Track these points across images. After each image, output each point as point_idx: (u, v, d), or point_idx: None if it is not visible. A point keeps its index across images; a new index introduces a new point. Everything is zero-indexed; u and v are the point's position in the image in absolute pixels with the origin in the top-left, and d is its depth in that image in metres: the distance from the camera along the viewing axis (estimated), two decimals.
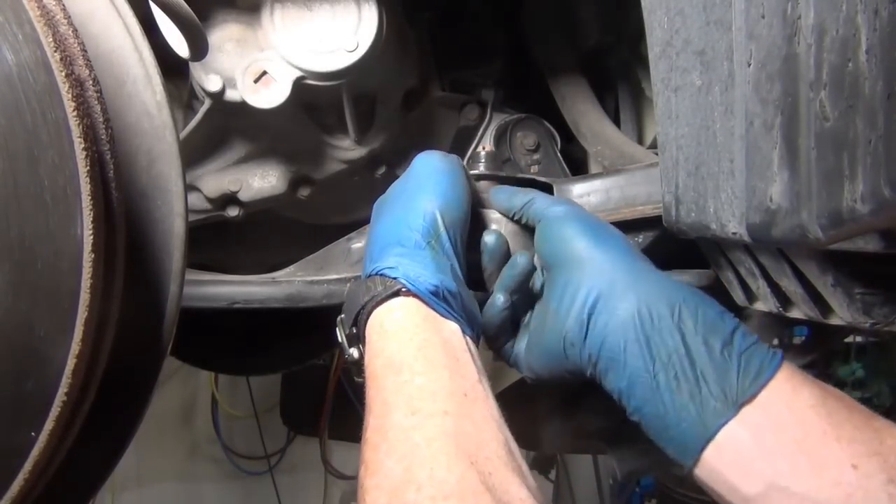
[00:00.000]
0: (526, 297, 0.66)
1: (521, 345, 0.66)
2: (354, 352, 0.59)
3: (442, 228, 0.61)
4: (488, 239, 0.67)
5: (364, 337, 0.58)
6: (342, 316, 0.61)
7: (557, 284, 0.61)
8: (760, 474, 0.48)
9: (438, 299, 0.57)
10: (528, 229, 0.69)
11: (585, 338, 0.57)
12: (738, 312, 0.84)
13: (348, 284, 0.70)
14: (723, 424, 0.50)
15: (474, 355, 0.57)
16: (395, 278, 0.57)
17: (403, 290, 0.57)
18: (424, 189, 0.63)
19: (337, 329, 0.61)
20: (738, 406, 0.50)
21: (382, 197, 0.69)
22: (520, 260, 0.63)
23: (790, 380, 0.51)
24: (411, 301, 0.57)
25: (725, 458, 0.50)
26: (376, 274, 0.58)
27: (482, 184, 0.75)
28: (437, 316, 0.57)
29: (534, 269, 0.65)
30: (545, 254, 0.64)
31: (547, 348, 0.61)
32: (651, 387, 0.53)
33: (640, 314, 0.54)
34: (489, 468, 0.46)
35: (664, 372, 0.53)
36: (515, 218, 0.69)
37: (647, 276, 0.57)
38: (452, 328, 0.57)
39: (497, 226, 0.70)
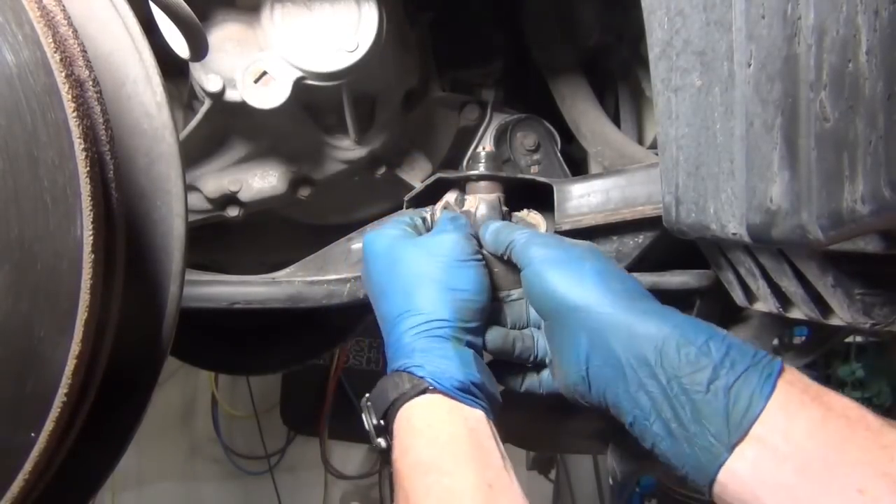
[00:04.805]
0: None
1: (548, 379, 0.68)
2: (382, 441, 0.61)
3: (462, 323, 0.63)
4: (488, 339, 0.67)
5: (392, 430, 0.60)
6: (369, 403, 0.63)
7: (554, 337, 0.63)
8: None
9: (464, 392, 0.59)
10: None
11: (590, 390, 0.59)
12: (738, 313, 0.84)
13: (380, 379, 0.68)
14: (720, 466, 0.50)
15: (497, 439, 0.58)
16: (421, 377, 0.59)
17: (430, 388, 0.58)
18: (444, 284, 0.64)
19: (363, 415, 0.63)
20: (731, 447, 0.49)
21: (389, 253, 0.69)
22: (487, 338, 0.66)
23: (785, 407, 0.49)
24: (437, 396, 0.58)
25: (729, 494, 0.50)
26: (404, 370, 0.60)
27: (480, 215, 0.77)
28: (463, 405, 0.59)
29: (503, 336, 0.67)
30: (534, 306, 0.66)
31: (566, 393, 0.63)
32: (653, 433, 0.54)
33: (626, 365, 0.55)
34: None
35: (659, 420, 0.53)
36: (504, 259, 0.70)
37: (628, 318, 0.56)
38: (478, 416, 0.59)
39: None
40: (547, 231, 0.79)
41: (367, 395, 0.63)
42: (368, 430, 0.62)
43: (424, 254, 0.67)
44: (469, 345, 0.63)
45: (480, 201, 0.78)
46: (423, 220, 0.78)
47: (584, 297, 0.59)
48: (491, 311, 0.68)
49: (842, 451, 0.47)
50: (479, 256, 0.68)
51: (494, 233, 0.71)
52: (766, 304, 0.63)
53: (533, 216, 0.80)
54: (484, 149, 0.87)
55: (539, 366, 0.68)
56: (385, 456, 0.61)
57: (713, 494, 0.51)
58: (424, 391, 0.58)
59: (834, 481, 0.46)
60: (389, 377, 0.61)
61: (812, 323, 0.59)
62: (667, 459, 0.54)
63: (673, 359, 0.53)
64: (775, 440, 0.49)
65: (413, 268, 0.66)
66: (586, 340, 0.58)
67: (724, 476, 0.50)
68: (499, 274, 0.72)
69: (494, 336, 0.66)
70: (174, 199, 0.51)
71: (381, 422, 0.61)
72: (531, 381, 0.68)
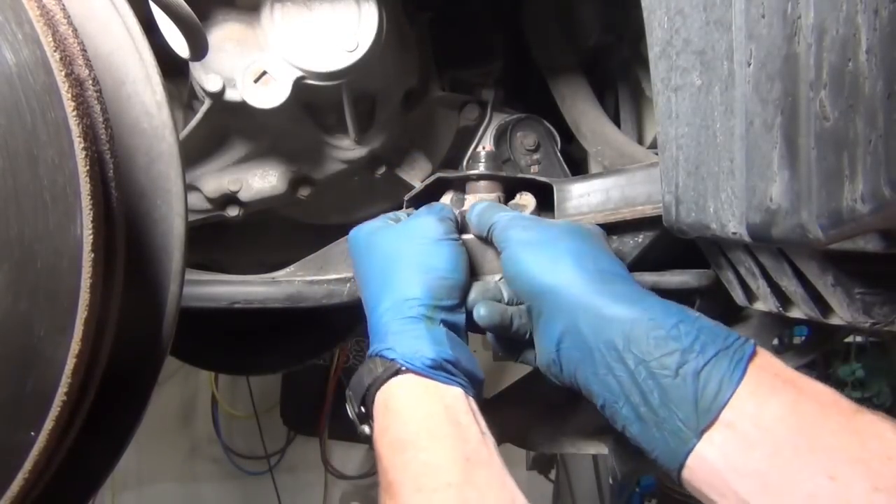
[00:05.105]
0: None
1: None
2: (366, 428, 0.62)
3: (436, 301, 0.62)
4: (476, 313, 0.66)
5: (372, 415, 0.60)
6: (350, 393, 0.63)
7: (532, 318, 0.63)
8: (733, 494, 0.47)
9: (437, 370, 0.59)
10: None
11: (562, 372, 0.59)
12: (738, 312, 0.84)
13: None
14: (689, 451, 0.49)
15: (476, 415, 0.58)
16: (392, 359, 0.59)
17: (402, 368, 0.58)
18: (416, 264, 0.64)
19: (347, 405, 0.64)
20: (699, 432, 0.49)
21: (367, 242, 0.70)
22: (482, 313, 0.64)
23: (755, 392, 0.49)
24: (411, 376, 0.58)
25: (699, 479, 0.50)
26: (377, 355, 0.60)
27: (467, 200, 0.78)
28: (439, 383, 0.58)
29: (500, 311, 0.65)
30: (512, 287, 0.66)
31: (544, 372, 0.64)
32: (622, 416, 0.54)
33: (594, 349, 0.55)
34: None
35: (628, 405, 0.53)
36: (487, 240, 0.70)
37: (597, 301, 0.56)
38: (455, 393, 0.59)
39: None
40: (535, 210, 0.79)
41: (349, 386, 0.64)
42: (352, 419, 0.63)
43: (398, 237, 0.67)
44: (445, 323, 0.62)
45: (480, 201, 0.78)
46: (409, 216, 0.78)
47: (555, 279, 0.59)
48: (486, 291, 0.68)
49: (813, 436, 0.46)
50: (455, 236, 0.68)
51: (479, 214, 0.72)
52: (766, 303, 0.63)
53: (525, 198, 0.81)
54: (484, 148, 0.87)
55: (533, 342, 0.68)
56: (370, 442, 0.61)
57: (682, 480, 0.51)
58: (397, 372, 0.59)
59: (805, 467, 0.45)
60: (365, 364, 0.62)
61: (812, 322, 0.59)
62: (637, 443, 0.54)
63: (641, 342, 0.52)
64: (745, 426, 0.48)
65: (388, 252, 0.67)
66: (559, 322, 0.58)
67: (693, 461, 0.49)
68: (491, 256, 0.72)
69: (491, 311, 0.64)
70: (174, 198, 0.51)
71: (362, 409, 0.61)
72: (527, 356, 0.67)
